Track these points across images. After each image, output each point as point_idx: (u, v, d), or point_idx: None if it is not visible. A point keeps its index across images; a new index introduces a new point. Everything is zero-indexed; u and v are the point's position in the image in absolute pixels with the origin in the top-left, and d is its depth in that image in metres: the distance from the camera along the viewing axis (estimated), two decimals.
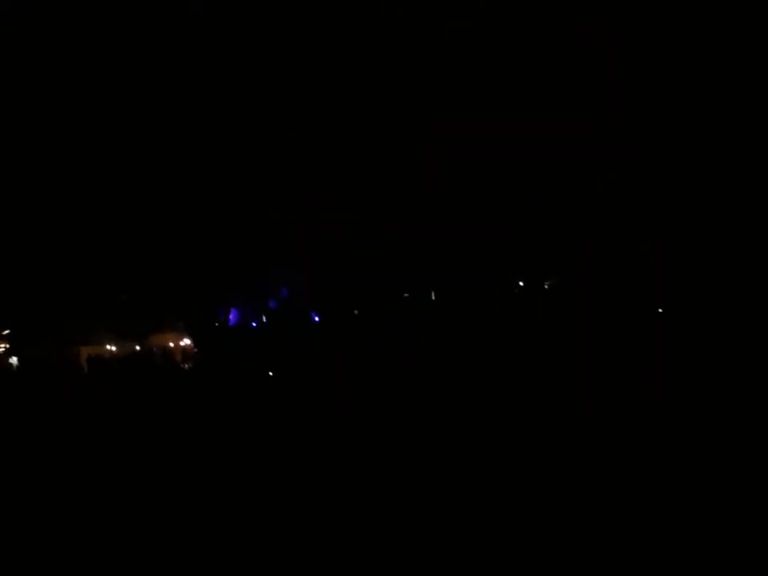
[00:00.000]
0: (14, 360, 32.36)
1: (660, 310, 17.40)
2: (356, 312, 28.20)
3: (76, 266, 32.58)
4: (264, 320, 32.73)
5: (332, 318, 28.81)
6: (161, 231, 31.62)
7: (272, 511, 7.97)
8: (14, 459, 12.00)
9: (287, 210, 28.93)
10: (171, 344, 34.16)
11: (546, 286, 21.65)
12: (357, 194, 26.32)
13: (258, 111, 23.69)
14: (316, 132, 24.11)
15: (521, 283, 22.54)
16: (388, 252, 25.75)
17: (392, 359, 20.75)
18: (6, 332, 33.13)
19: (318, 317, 29.86)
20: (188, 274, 32.74)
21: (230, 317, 34.21)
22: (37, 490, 9.64)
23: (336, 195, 26.87)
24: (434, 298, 25.21)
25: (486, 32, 19.90)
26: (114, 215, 31.59)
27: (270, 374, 24.82)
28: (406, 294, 26.51)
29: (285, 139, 24.84)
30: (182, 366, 30.79)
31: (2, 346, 33.23)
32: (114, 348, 33.66)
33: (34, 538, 7.82)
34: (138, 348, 34.14)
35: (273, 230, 29.86)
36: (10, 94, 22.15)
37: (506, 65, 20.29)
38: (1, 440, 14.19)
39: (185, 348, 33.32)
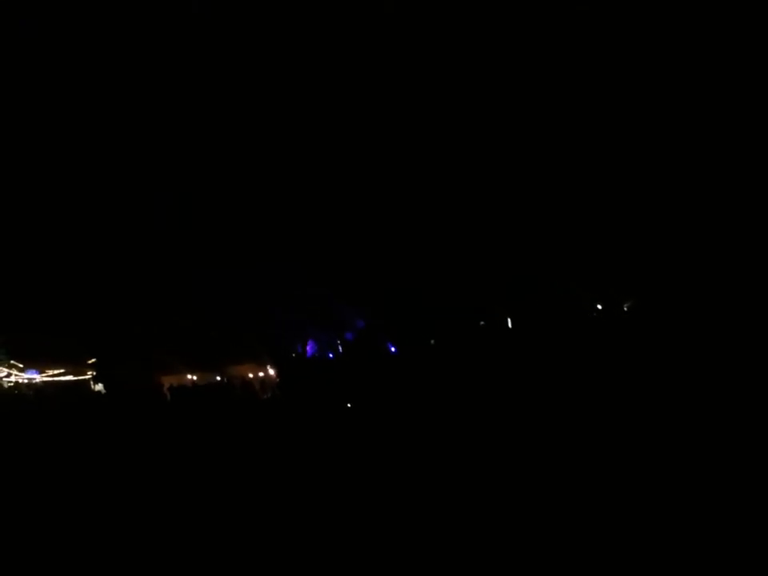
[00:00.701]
0: (99, 386, 33.40)
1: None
2: (432, 342, 27.96)
3: (160, 298, 33.53)
4: (340, 351, 32.90)
5: (409, 349, 28.66)
6: (240, 265, 32.28)
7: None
8: (100, 477, 12.21)
9: (359, 241, 29.14)
10: (250, 375, 34.67)
11: (625, 308, 21.02)
12: (429, 222, 26.34)
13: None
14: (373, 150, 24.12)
15: (599, 306, 21.94)
16: (462, 280, 25.58)
17: (470, 389, 20.42)
18: (92, 360, 34.30)
19: (395, 347, 29.77)
20: (268, 308, 33.28)
21: (308, 348, 34.55)
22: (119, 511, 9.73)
23: (408, 225, 26.93)
24: (510, 325, 24.82)
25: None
26: (195, 250, 32.41)
27: (348, 405, 24.76)
28: (482, 322, 26.19)
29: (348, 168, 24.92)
30: (260, 396, 31.11)
31: (89, 373, 34.40)
32: (195, 378, 34.39)
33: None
34: (218, 378, 34.82)
35: (347, 263, 30.11)
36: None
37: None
38: (88, 460, 14.46)
39: (263, 379, 33.73)
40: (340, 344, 33.16)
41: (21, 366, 34.24)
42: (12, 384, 34.24)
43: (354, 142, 24.82)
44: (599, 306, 21.69)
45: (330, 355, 33.39)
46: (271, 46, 21.53)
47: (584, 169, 19.97)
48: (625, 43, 18.64)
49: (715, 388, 12.70)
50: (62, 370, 34.70)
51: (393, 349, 29.90)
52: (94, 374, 34.31)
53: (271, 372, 33.49)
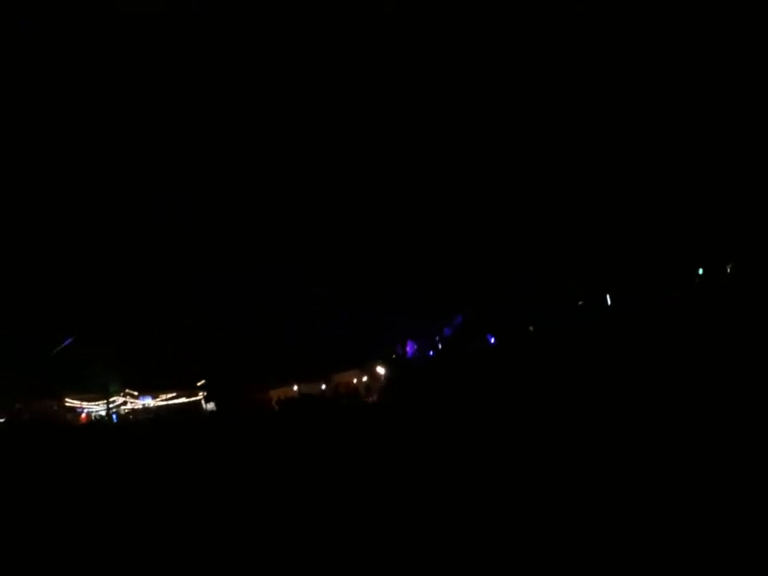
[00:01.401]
0: (210, 405, 34.38)
1: None
2: (531, 328, 27.70)
3: (263, 316, 34.29)
4: (440, 347, 32.94)
5: (508, 338, 28.42)
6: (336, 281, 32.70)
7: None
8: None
9: (452, 237, 29.07)
10: (354, 380, 35.07)
11: (728, 270, 20.27)
12: (521, 214, 26.15)
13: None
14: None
15: (700, 271, 21.24)
16: (557, 261, 25.32)
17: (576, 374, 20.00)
18: (202, 382, 35.37)
19: (494, 338, 29.60)
20: (365, 312, 33.61)
21: (407, 349, 34.72)
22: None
23: (500, 219, 26.79)
24: (609, 302, 24.37)
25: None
26: (297, 269, 32.99)
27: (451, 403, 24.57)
28: (580, 302, 25.80)
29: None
30: (366, 399, 31.36)
31: (201, 394, 35.49)
32: (301, 389, 34.98)
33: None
34: (323, 387, 35.32)
35: (439, 262, 30.11)
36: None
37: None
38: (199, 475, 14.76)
39: (368, 384, 34.05)
40: (439, 340, 33.22)
41: (135, 393, 35.59)
42: (128, 410, 35.66)
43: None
44: (701, 271, 21.09)
45: (431, 353, 33.47)
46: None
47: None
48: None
49: None
50: (173, 394, 35.89)
51: (492, 340, 29.73)
52: (205, 394, 35.38)
53: (380, 371, 33.72)
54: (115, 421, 33.59)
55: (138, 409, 35.80)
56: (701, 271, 21.16)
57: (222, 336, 34.81)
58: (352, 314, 33.42)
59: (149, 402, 36.08)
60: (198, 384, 35.67)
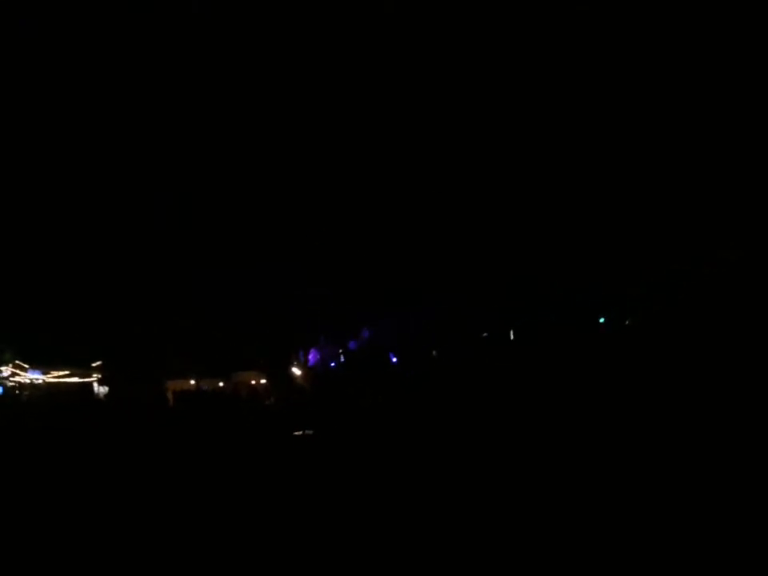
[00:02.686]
0: (103, 389, 33.64)
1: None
2: (434, 353, 28.47)
3: (167, 302, 33.98)
4: (342, 360, 33.39)
5: (410, 359, 29.10)
6: (245, 271, 32.73)
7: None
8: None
9: (367, 253, 29.58)
10: (253, 381, 35.03)
11: (626, 323, 21.55)
12: (433, 236, 26.83)
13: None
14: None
15: (601, 320, 22.47)
16: (465, 292, 26.11)
17: (472, 399, 20.70)
18: (97, 363, 34.60)
19: (396, 357, 30.26)
20: (271, 316, 33.74)
21: (310, 357, 35.05)
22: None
23: (415, 238, 27.39)
24: (512, 336, 25.41)
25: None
26: (200, 253, 32.85)
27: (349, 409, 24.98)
28: (485, 334, 26.76)
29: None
30: (265, 401, 31.39)
31: (95, 375, 34.67)
32: (200, 383, 34.71)
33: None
34: (221, 384, 35.13)
35: (351, 275, 30.58)
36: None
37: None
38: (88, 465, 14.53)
39: (266, 386, 34.09)
40: (342, 353, 33.68)
41: (26, 366, 34.44)
42: (15, 384, 34.39)
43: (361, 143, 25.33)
44: (601, 320, 22.24)
45: (332, 364, 33.90)
46: (270, 46, 21.94)
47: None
48: (625, 44, 19.18)
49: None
50: (66, 372, 34.92)
51: (394, 359, 30.37)
52: (99, 376, 34.61)
53: (296, 372, 33.83)
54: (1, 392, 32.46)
55: (25, 383, 34.58)
56: (602, 320, 22.38)
57: (126, 319, 34.37)
58: (259, 314, 33.57)
59: (38, 377, 34.94)
60: (94, 365, 34.89)
